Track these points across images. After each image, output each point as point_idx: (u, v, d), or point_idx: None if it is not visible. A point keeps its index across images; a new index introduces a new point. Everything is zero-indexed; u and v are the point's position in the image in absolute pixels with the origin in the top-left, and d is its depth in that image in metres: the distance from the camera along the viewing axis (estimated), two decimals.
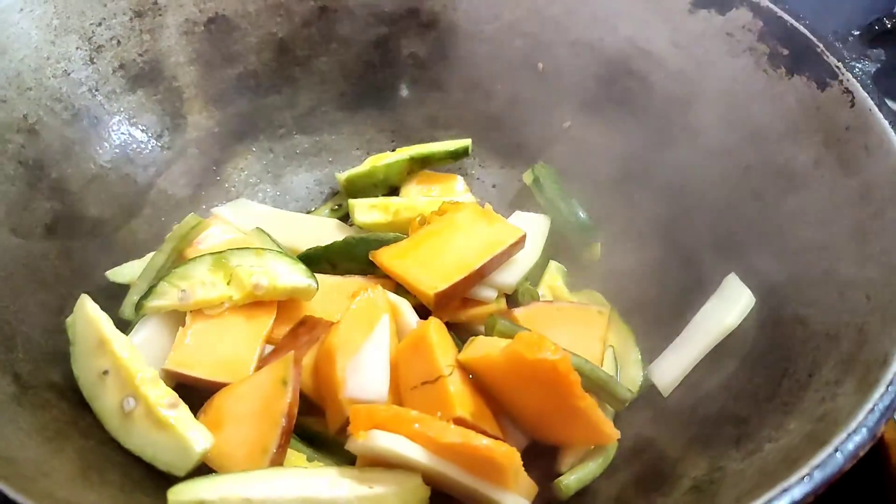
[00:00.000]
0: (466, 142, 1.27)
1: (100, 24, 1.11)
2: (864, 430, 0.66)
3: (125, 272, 1.05)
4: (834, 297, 0.88)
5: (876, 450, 0.95)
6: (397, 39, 1.29)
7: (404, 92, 1.32)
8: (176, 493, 0.79)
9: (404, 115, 1.32)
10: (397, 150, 1.26)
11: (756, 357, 0.95)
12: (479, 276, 1.01)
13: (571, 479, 0.90)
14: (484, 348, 0.89)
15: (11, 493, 0.59)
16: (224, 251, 1.00)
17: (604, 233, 1.18)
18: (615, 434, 0.88)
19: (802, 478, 0.64)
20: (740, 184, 1.08)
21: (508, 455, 0.80)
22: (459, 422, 0.84)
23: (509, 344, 0.84)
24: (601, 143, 1.24)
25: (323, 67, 1.29)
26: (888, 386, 0.69)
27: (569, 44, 1.25)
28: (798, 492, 0.63)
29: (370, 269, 1.04)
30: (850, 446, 0.65)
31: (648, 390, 1.01)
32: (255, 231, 1.10)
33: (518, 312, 1.04)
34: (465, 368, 0.89)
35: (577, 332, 1.02)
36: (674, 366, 1.00)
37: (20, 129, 1.01)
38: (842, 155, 0.96)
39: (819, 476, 0.63)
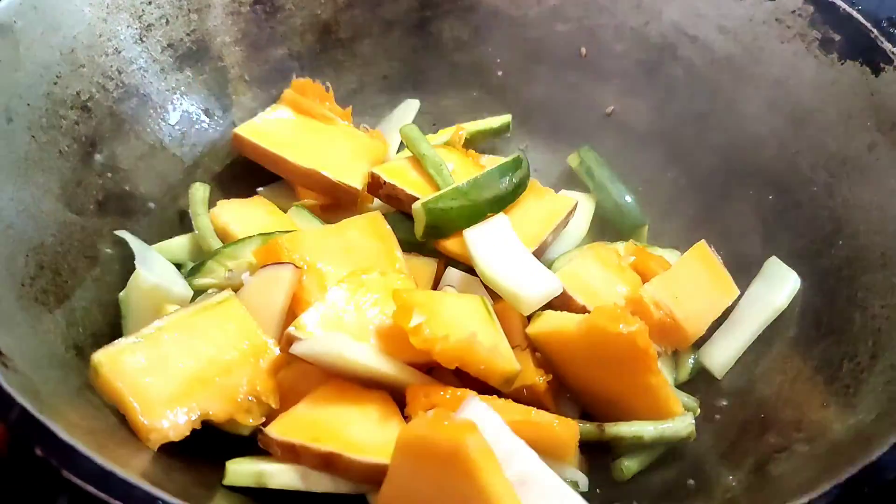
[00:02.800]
0: (507, 118, 1.27)
1: (149, 3, 1.11)
2: None
3: (172, 248, 1.06)
4: (893, 281, 0.88)
5: None
6: (440, 22, 1.29)
7: (446, 75, 1.31)
8: (235, 464, 0.80)
9: (446, 99, 1.32)
10: (439, 131, 1.26)
11: (809, 341, 0.95)
12: (543, 249, 1.02)
13: (633, 460, 0.89)
14: (555, 322, 0.89)
15: (99, 460, 0.59)
16: (273, 232, 1.01)
17: (649, 216, 1.18)
18: (681, 410, 0.88)
19: (870, 468, 0.63)
20: (789, 169, 1.09)
21: (570, 430, 0.80)
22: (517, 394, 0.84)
23: (587, 316, 0.84)
24: (645, 129, 1.24)
25: (365, 50, 1.29)
26: None
27: (613, 28, 1.25)
28: (865, 484, 0.62)
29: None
30: None
31: (700, 374, 1.01)
32: (295, 210, 1.10)
33: None
34: (533, 342, 0.89)
35: None
36: (726, 348, 1.00)
37: (74, 105, 1.01)
38: None
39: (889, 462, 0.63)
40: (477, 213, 1.00)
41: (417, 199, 1.00)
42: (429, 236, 1.00)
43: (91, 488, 0.58)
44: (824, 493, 0.61)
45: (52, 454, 0.60)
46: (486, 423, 0.75)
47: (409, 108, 1.26)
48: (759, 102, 1.13)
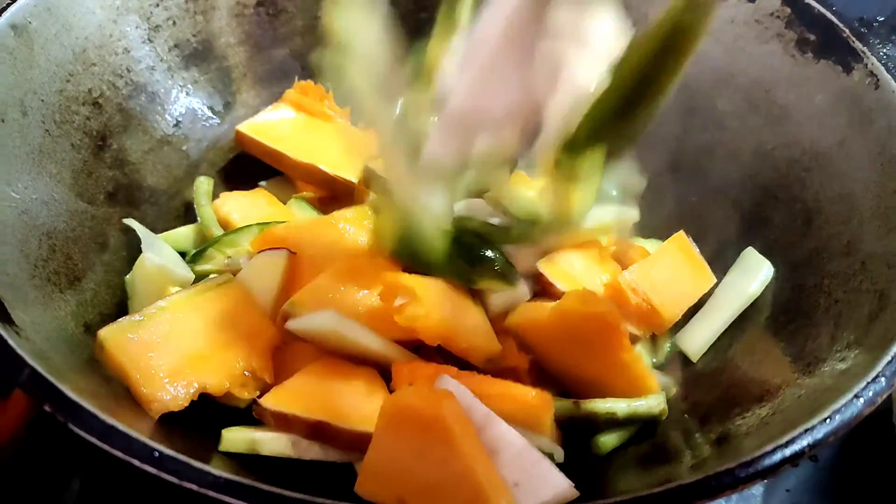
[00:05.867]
0: None
1: (157, 5, 1.17)
2: (882, 378, 0.71)
3: (177, 237, 1.12)
4: (856, 268, 0.93)
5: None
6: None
7: None
8: (230, 431, 0.86)
9: None
10: None
11: (778, 325, 1.00)
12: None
13: (611, 436, 0.92)
14: (531, 312, 0.94)
15: (103, 416, 0.65)
16: (270, 222, 1.07)
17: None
18: (656, 387, 0.93)
19: (824, 419, 0.69)
20: (766, 165, 1.13)
21: (545, 401, 0.85)
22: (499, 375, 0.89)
23: (558, 302, 0.90)
24: None
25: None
26: None
27: None
28: (820, 432, 0.68)
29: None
30: (870, 393, 0.71)
31: (675, 357, 1.06)
32: (294, 202, 1.16)
33: None
34: (512, 331, 0.95)
35: None
36: (701, 333, 1.04)
37: (85, 101, 1.08)
38: (866, 135, 1.01)
39: (839, 419, 0.68)
40: None
41: None
42: None
43: (95, 440, 0.64)
44: (765, 452, 0.66)
45: (59, 410, 0.66)
46: (457, 395, 0.81)
47: None
48: (739, 101, 1.17)
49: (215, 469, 0.65)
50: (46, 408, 0.65)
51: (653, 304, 1.01)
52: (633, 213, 1.13)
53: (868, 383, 0.72)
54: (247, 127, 1.20)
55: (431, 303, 0.88)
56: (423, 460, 0.75)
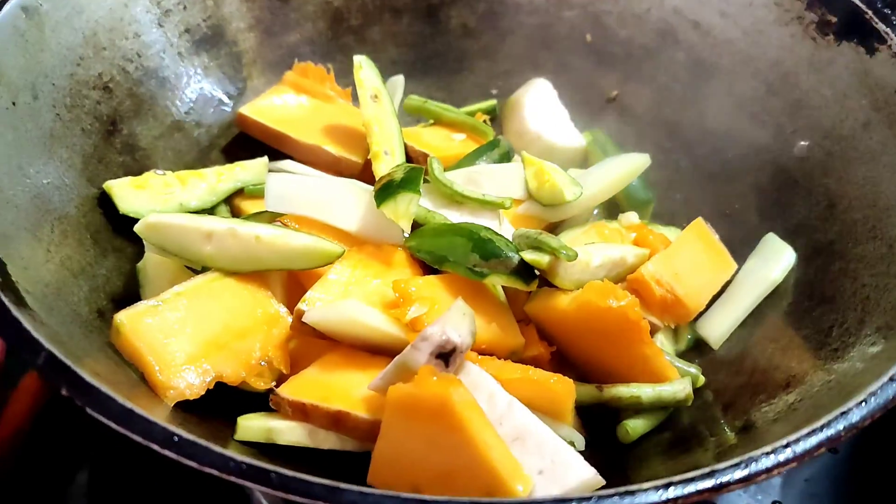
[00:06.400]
0: (491, 102, 1.30)
1: None
2: None
3: None
4: (883, 251, 0.91)
5: None
6: (448, 9, 1.33)
7: (453, 61, 1.35)
8: (247, 419, 0.84)
9: (454, 84, 1.35)
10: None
11: (801, 311, 0.98)
12: None
13: (638, 422, 0.91)
14: (550, 299, 0.93)
15: (121, 400, 0.64)
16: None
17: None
18: (677, 377, 0.91)
19: (860, 402, 0.67)
20: (786, 148, 1.12)
21: (566, 387, 0.84)
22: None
23: (580, 292, 0.88)
24: (647, 112, 1.27)
25: (375, 37, 1.33)
26: None
27: (616, 15, 1.28)
28: (856, 415, 0.66)
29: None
30: None
31: (697, 344, 1.04)
32: None
33: None
34: (532, 318, 0.94)
35: None
36: (723, 320, 1.03)
37: (96, 86, 1.06)
38: (891, 117, 0.99)
39: (874, 401, 0.67)
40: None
41: None
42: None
43: (113, 424, 0.62)
44: (801, 436, 0.64)
45: (76, 394, 0.64)
46: (480, 382, 0.80)
47: (396, 85, 1.29)
48: (758, 84, 1.16)
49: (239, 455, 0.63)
50: (64, 391, 0.64)
51: (677, 295, 0.99)
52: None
53: None
54: (249, 109, 1.19)
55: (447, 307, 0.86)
56: (434, 448, 0.74)
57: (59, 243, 0.91)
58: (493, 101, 1.31)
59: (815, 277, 1.00)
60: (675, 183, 1.21)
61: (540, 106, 1.27)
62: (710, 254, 1.06)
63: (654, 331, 1.00)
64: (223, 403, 0.86)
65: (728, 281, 1.06)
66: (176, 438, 0.62)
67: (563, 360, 0.97)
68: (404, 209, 0.92)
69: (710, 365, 1.00)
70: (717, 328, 1.03)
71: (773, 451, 0.63)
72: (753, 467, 0.62)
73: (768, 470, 0.62)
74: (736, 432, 0.84)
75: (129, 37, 1.12)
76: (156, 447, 0.62)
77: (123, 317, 0.84)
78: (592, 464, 0.79)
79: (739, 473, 0.62)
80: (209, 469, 0.61)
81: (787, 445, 0.64)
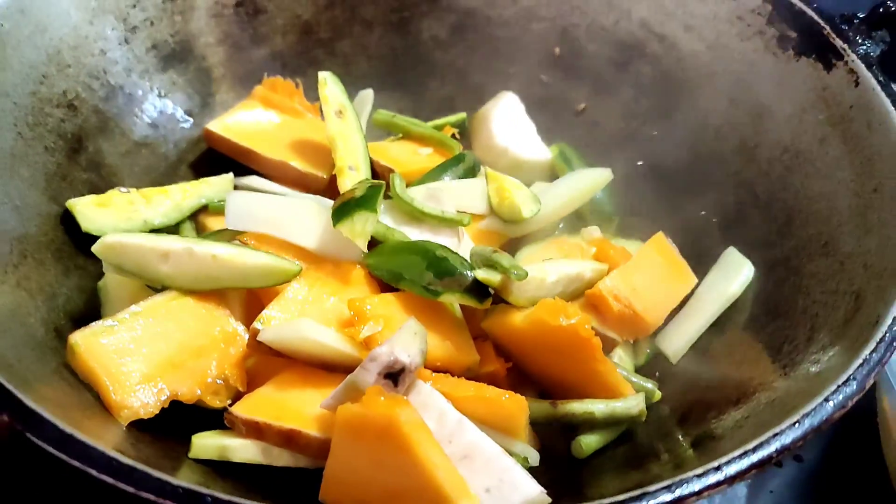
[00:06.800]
0: (461, 115, 1.31)
1: (134, 6, 1.16)
2: (853, 382, 0.71)
3: None
4: (834, 268, 0.92)
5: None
6: (418, 22, 1.34)
7: (424, 74, 1.36)
8: (200, 437, 0.85)
9: (424, 97, 1.36)
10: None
11: (757, 326, 0.99)
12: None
13: (592, 438, 0.92)
14: (505, 316, 0.93)
15: (61, 425, 0.64)
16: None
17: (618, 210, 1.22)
18: (631, 393, 0.92)
19: (793, 424, 0.68)
20: (748, 162, 1.12)
21: (519, 404, 0.85)
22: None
23: (532, 310, 0.89)
24: (614, 125, 1.28)
25: (346, 49, 1.34)
26: (878, 343, 0.73)
27: (584, 28, 1.29)
28: (788, 437, 0.67)
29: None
30: (840, 397, 0.70)
31: (655, 358, 1.05)
32: None
33: None
34: (488, 334, 0.95)
35: None
36: (682, 334, 1.03)
37: (60, 104, 1.07)
38: (846, 133, 1.00)
39: (808, 423, 0.68)
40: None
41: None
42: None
43: (51, 449, 0.63)
44: (733, 458, 0.65)
45: (16, 419, 0.65)
46: (430, 402, 0.80)
47: (365, 99, 1.30)
48: (721, 98, 1.17)
49: (176, 479, 0.64)
50: (5, 417, 0.65)
51: (635, 310, 1.00)
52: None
53: (839, 386, 0.71)
54: (216, 125, 1.20)
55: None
56: (382, 467, 0.75)
57: (16, 263, 0.92)
58: (462, 115, 1.31)
59: (772, 292, 1.01)
60: (639, 196, 1.22)
61: (507, 119, 1.28)
62: (670, 268, 1.07)
63: (612, 345, 1.01)
64: (180, 421, 0.87)
65: (688, 295, 1.07)
66: (114, 463, 0.63)
67: (521, 375, 0.98)
68: (360, 228, 0.92)
69: (669, 379, 1.01)
70: (676, 342, 1.03)
71: (704, 474, 0.64)
72: (680, 491, 0.62)
73: (698, 493, 0.63)
74: (692, 447, 0.84)
75: (95, 54, 1.12)
76: (93, 472, 0.63)
77: (79, 337, 0.85)
78: (546, 479, 0.80)
79: (667, 497, 0.62)
80: (145, 494, 0.62)
81: (718, 468, 0.64)
